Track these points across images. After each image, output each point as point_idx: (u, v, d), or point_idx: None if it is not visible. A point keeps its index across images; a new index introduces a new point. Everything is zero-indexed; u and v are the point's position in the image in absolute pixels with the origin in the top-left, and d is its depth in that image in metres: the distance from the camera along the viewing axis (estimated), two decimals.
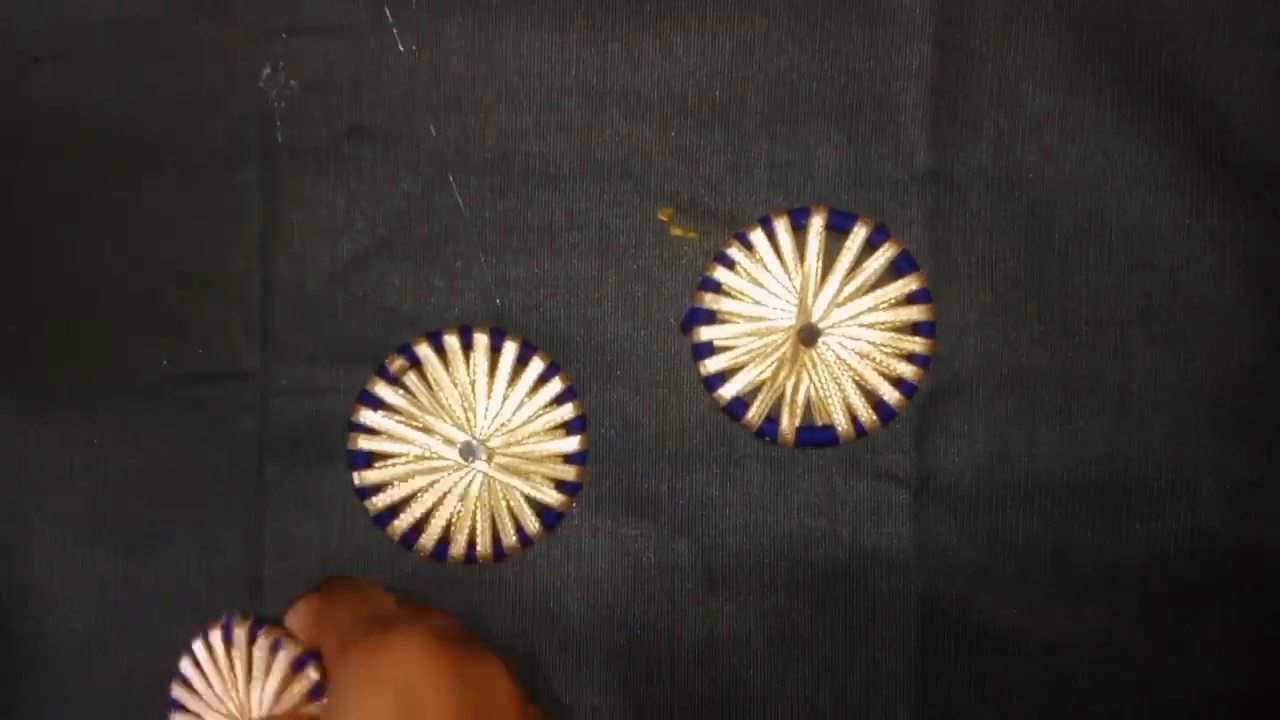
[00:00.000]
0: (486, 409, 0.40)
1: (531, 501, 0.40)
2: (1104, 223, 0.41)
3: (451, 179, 0.40)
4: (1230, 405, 0.41)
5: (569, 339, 0.41)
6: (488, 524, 0.40)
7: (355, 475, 0.40)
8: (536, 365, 0.40)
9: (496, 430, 0.40)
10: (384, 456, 0.40)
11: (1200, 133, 0.41)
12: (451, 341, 0.40)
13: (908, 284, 0.40)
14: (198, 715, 0.38)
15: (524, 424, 0.40)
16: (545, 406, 0.40)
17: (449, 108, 0.40)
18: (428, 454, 0.40)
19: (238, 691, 0.37)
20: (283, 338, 0.41)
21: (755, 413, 0.40)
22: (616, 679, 0.41)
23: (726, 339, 0.40)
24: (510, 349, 0.40)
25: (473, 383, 0.40)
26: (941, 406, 0.41)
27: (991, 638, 0.41)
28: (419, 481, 0.40)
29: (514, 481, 0.40)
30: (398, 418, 0.40)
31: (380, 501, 0.40)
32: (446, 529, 0.40)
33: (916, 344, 0.40)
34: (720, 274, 0.40)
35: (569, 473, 0.40)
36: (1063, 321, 0.41)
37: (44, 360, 0.40)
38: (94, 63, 0.40)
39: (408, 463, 0.40)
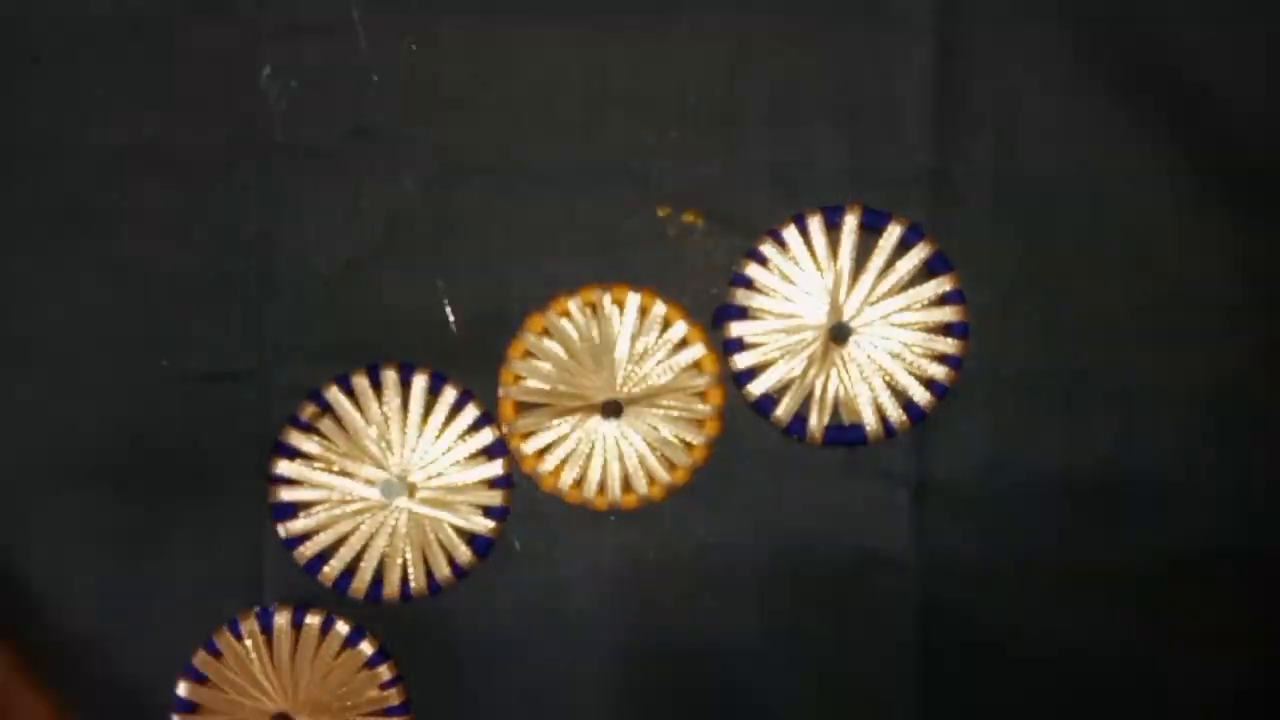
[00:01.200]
0: (404, 445, 0.40)
1: (461, 532, 0.40)
2: (1104, 223, 0.41)
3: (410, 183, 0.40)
4: (1230, 405, 0.41)
5: None
6: (419, 560, 0.40)
7: (280, 527, 0.40)
8: (449, 394, 0.40)
9: (417, 465, 0.40)
10: (307, 505, 0.40)
11: (1200, 133, 0.41)
12: (360, 381, 0.40)
13: (941, 284, 0.40)
14: (213, 712, 0.39)
15: (444, 454, 0.40)
16: (463, 435, 0.40)
17: (449, 108, 0.40)
18: (348, 497, 0.40)
19: (278, 675, 0.39)
20: (283, 338, 0.41)
21: (784, 410, 0.40)
22: (617, 679, 0.41)
23: (757, 335, 0.40)
24: (420, 382, 0.40)
25: (387, 420, 0.40)
26: (941, 406, 0.41)
27: (991, 638, 0.41)
28: (345, 526, 0.40)
29: (440, 514, 0.40)
30: (316, 464, 0.40)
31: (308, 550, 0.40)
32: (378, 570, 0.40)
33: (948, 345, 0.40)
34: (752, 270, 0.40)
35: (495, 498, 0.40)
36: (1062, 321, 0.41)
37: (44, 360, 0.40)
38: (94, 63, 0.40)
39: (330, 508, 0.40)
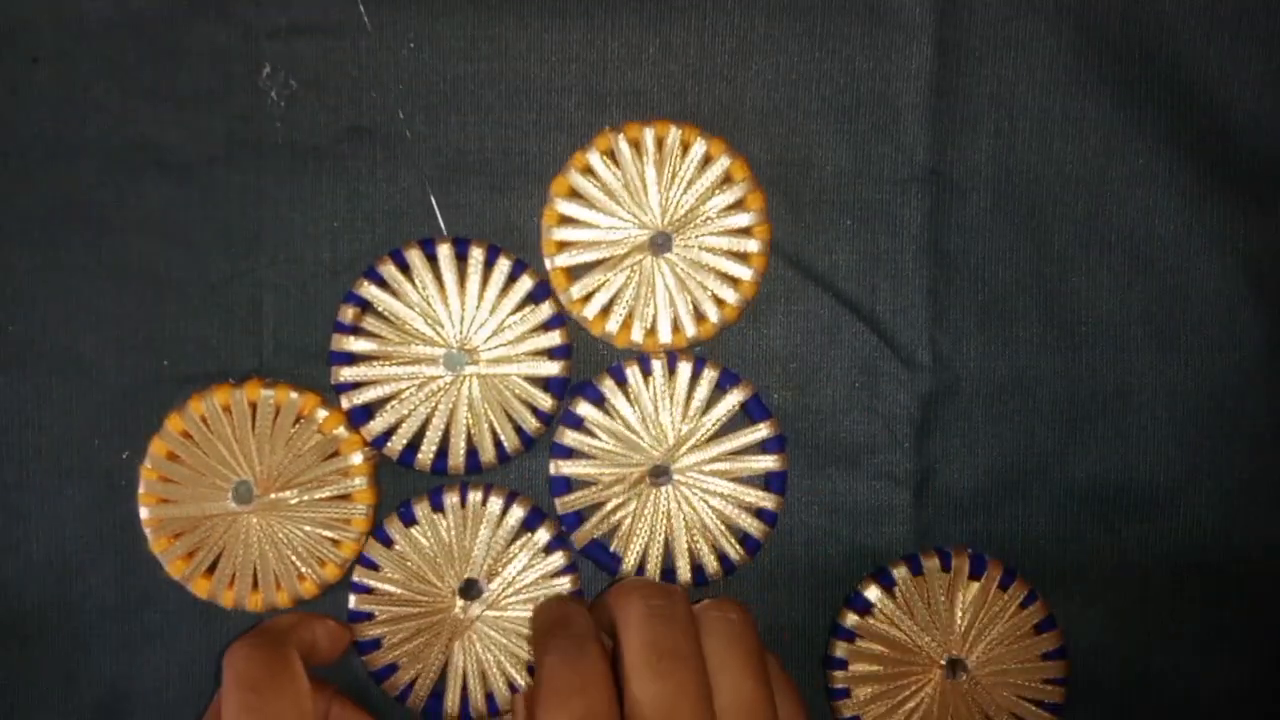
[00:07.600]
0: (449, 316, 0.40)
1: (534, 379, 0.40)
2: (1104, 223, 0.41)
3: (430, 191, 0.40)
4: (1230, 405, 0.41)
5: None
6: (505, 420, 0.40)
7: (362, 432, 0.40)
8: (477, 255, 0.40)
9: (473, 331, 0.40)
10: (380, 402, 0.40)
11: (1200, 133, 0.41)
12: (391, 271, 0.40)
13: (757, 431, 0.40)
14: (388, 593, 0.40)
15: (491, 311, 0.40)
16: (503, 289, 0.40)
17: (449, 108, 0.40)
18: (418, 378, 0.40)
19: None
20: (283, 338, 0.41)
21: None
22: None
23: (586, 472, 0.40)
24: (445, 251, 0.40)
25: (426, 298, 0.40)
26: (941, 406, 0.41)
27: None
28: (422, 410, 0.40)
29: (509, 369, 0.39)
30: (375, 363, 0.40)
31: (396, 446, 0.40)
32: (468, 441, 0.40)
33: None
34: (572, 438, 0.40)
35: (554, 338, 0.40)
36: (1062, 321, 0.41)
37: (43, 360, 0.40)
38: (94, 63, 0.40)
39: (400, 399, 0.40)
